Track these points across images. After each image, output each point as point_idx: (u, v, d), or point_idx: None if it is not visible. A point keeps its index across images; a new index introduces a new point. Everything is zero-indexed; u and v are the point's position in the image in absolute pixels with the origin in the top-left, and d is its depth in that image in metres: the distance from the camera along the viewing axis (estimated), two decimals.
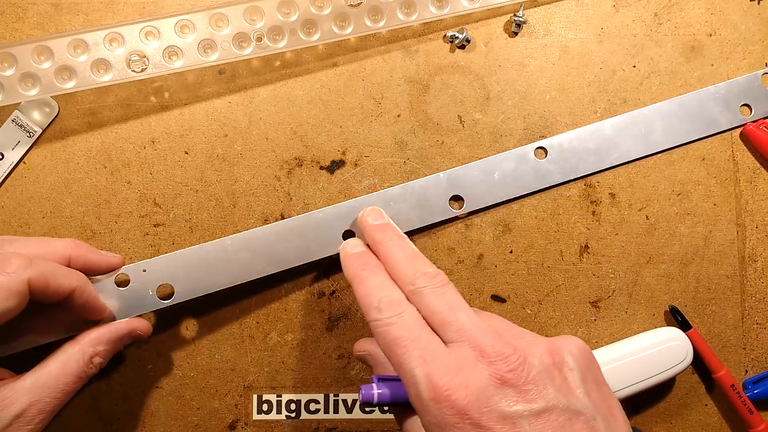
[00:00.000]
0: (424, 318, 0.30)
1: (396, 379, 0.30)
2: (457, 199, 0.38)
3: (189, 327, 0.39)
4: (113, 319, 0.35)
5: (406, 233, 0.39)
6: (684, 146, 0.39)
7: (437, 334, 0.29)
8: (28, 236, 0.38)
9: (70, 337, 0.33)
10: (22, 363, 0.32)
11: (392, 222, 0.35)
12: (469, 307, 0.30)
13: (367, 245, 0.34)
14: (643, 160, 0.39)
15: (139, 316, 0.35)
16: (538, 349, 0.28)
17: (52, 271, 0.30)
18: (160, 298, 0.35)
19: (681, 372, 0.37)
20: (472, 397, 0.26)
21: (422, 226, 0.38)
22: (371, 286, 0.32)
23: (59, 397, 0.31)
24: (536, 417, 0.26)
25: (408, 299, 0.31)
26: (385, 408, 0.38)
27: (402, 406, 0.30)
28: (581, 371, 0.28)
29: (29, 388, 0.31)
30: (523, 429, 0.26)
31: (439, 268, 0.38)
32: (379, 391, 0.30)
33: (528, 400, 0.26)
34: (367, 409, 0.39)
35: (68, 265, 0.33)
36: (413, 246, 0.33)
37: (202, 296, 0.38)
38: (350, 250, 0.34)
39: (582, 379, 0.28)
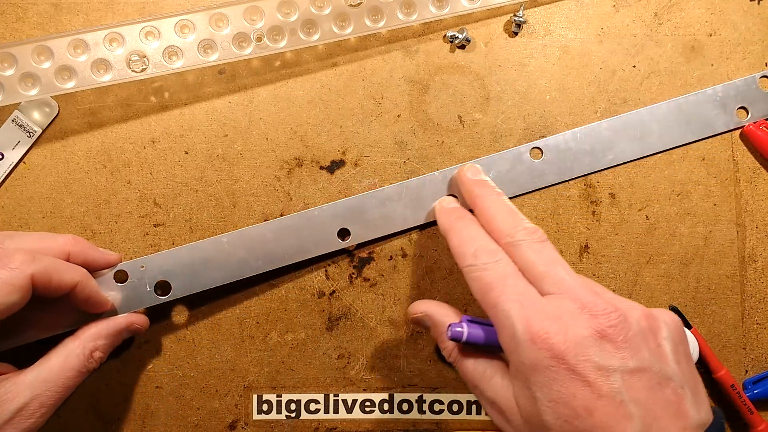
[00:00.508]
0: (522, 271, 0.30)
1: (481, 323, 0.31)
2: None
3: (189, 327, 0.39)
4: (115, 312, 0.35)
5: (400, 231, 0.39)
6: (684, 146, 0.39)
7: (534, 287, 0.30)
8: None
9: (72, 331, 0.34)
10: (25, 357, 0.33)
11: (490, 180, 0.35)
12: (566, 264, 0.30)
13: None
14: (643, 160, 0.39)
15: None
16: (635, 312, 0.28)
17: (55, 267, 0.30)
18: (158, 295, 0.36)
19: None
20: (570, 343, 0.26)
21: (416, 225, 0.38)
22: (466, 235, 0.33)
23: (60, 391, 0.31)
24: (630, 374, 0.26)
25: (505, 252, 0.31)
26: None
27: (486, 350, 0.31)
28: (674, 342, 0.28)
29: (31, 382, 0.31)
30: (616, 382, 0.26)
31: (438, 268, 0.39)
32: (470, 330, 0.30)
33: (624, 357, 0.26)
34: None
35: (68, 261, 0.33)
36: (511, 203, 0.33)
37: (202, 296, 0.38)
38: (445, 206, 0.36)
39: (673, 350, 0.28)
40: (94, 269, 0.34)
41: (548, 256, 0.30)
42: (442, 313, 0.33)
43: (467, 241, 0.32)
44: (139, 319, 0.35)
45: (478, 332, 0.31)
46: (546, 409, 0.27)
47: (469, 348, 0.31)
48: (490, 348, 0.31)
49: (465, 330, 0.30)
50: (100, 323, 0.34)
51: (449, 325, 0.31)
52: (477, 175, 0.35)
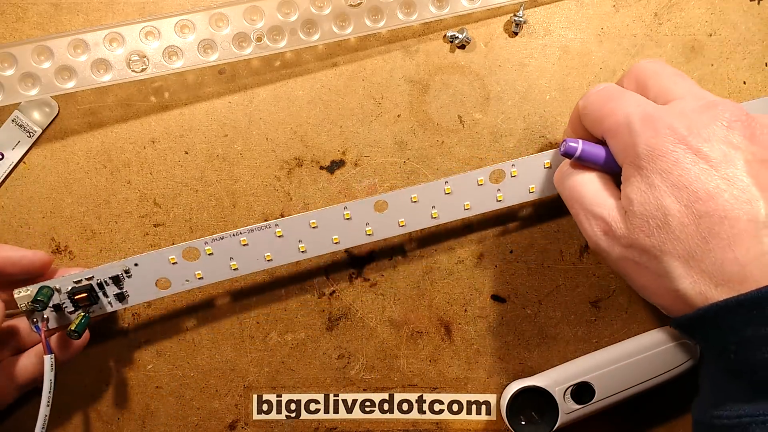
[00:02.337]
0: (645, 92, 0.30)
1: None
2: None
3: (189, 327, 0.39)
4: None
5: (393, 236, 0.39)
6: None
7: (659, 102, 0.29)
8: (27, 235, 0.38)
9: None
10: None
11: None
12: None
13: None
14: None
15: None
16: (763, 119, 0.27)
17: None
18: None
19: (686, 371, 0.37)
20: (695, 128, 0.26)
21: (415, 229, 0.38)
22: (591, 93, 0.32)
23: None
24: (760, 163, 0.25)
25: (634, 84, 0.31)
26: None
27: (601, 167, 0.31)
28: None
29: None
30: (742, 167, 0.25)
31: (439, 268, 0.39)
32: (584, 146, 0.30)
33: (750, 147, 0.26)
34: None
35: None
36: None
37: (202, 296, 0.38)
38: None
39: None
40: (20, 270, 0.33)
41: (674, 72, 0.30)
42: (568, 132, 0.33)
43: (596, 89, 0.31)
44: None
45: (593, 147, 0.30)
46: (665, 193, 0.26)
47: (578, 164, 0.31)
48: (603, 165, 0.30)
49: (579, 145, 0.30)
50: None
51: (564, 140, 0.31)
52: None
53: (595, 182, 0.30)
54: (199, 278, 0.35)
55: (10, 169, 0.38)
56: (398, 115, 0.39)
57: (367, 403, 0.39)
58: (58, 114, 0.38)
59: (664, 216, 0.26)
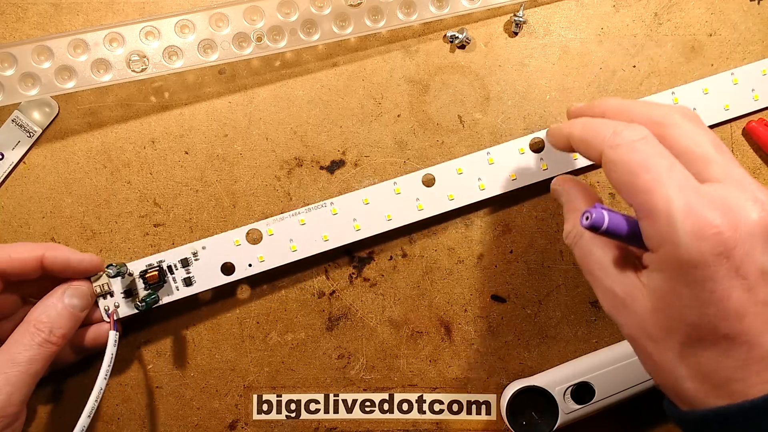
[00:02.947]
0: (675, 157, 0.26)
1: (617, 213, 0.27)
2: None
3: (189, 327, 0.39)
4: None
5: (383, 232, 0.39)
6: None
7: (691, 172, 0.26)
8: (27, 235, 0.38)
9: None
10: None
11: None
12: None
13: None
14: None
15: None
16: None
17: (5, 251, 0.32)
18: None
19: None
20: (741, 240, 0.23)
21: (404, 224, 0.38)
22: (597, 123, 0.28)
23: (22, 370, 0.31)
24: None
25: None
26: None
27: (624, 241, 0.27)
28: None
29: None
30: None
31: (438, 268, 0.39)
32: (611, 218, 0.26)
33: None
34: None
35: (42, 267, 0.33)
36: None
37: (202, 296, 0.38)
38: (556, 125, 0.32)
39: None
40: (76, 273, 0.34)
41: (709, 138, 0.26)
42: (578, 194, 0.30)
43: (602, 125, 0.27)
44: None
45: (620, 222, 0.26)
46: (692, 306, 0.24)
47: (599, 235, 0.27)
48: (627, 240, 0.27)
49: (606, 218, 0.26)
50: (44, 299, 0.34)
51: (586, 210, 0.26)
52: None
53: (614, 257, 0.27)
54: (261, 261, 0.37)
55: (10, 169, 0.38)
56: (398, 115, 0.39)
57: (367, 403, 0.39)
58: (58, 114, 0.38)
59: (683, 325, 0.25)
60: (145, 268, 0.36)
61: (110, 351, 0.34)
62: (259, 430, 0.39)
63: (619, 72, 0.39)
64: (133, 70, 0.36)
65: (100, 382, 0.33)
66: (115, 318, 0.36)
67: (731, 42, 0.39)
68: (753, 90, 0.39)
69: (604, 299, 0.28)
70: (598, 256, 0.28)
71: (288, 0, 0.36)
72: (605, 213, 0.26)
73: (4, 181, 0.38)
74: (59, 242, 0.38)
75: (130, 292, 0.36)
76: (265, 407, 0.39)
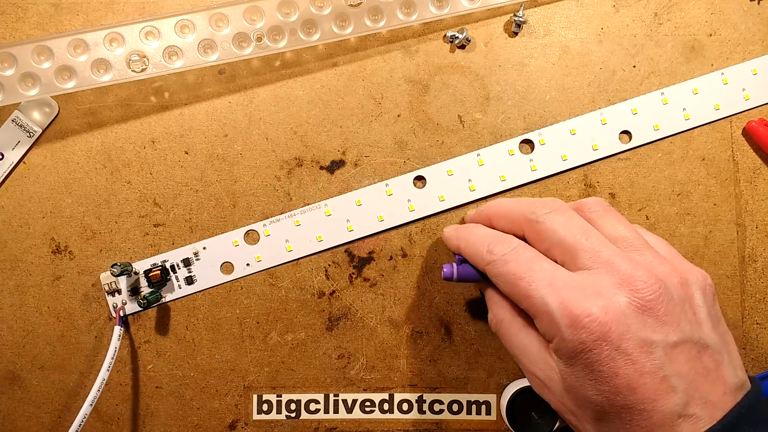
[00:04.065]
0: (548, 251, 0.29)
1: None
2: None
3: (189, 327, 0.39)
4: None
5: (379, 231, 0.39)
6: (684, 146, 0.39)
7: (565, 265, 0.29)
8: (27, 235, 0.38)
9: None
10: None
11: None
12: (598, 232, 0.29)
13: None
14: (643, 159, 0.39)
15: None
16: (674, 279, 0.27)
17: None
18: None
19: None
20: (613, 322, 0.26)
21: (396, 225, 0.38)
22: (477, 237, 0.32)
23: None
24: (672, 347, 0.26)
25: (525, 237, 0.30)
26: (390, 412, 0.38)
27: (478, 282, 0.32)
28: (707, 306, 0.28)
29: None
30: (658, 357, 0.26)
31: (438, 268, 0.39)
32: (460, 268, 0.31)
33: (666, 331, 0.26)
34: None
35: None
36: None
37: (202, 296, 0.38)
38: (449, 228, 0.35)
39: (708, 314, 0.28)
40: None
41: (579, 226, 0.29)
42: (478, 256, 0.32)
43: (478, 241, 0.31)
44: None
45: (470, 271, 0.31)
46: (588, 386, 0.26)
47: (511, 318, 0.31)
48: (486, 279, 0.31)
49: (454, 271, 0.31)
50: None
51: (443, 266, 0.32)
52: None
53: (529, 343, 0.29)
54: (259, 261, 0.38)
55: (10, 169, 0.38)
56: (398, 115, 0.39)
57: (367, 403, 0.39)
58: (58, 114, 0.38)
59: (589, 402, 0.27)
60: (149, 267, 0.38)
61: (114, 345, 0.35)
62: (259, 430, 0.39)
63: (619, 72, 0.39)
64: (133, 70, 0.36)
65: (103, 374, 0.34)
66: (121, 314, 0.37)
67: (731, 42, 0.39)
68: (744, 89, 0.39)
69: (530, 380, 0.30)
70: (519, 341, 0.30)
71: (288, 0, 0.36)
72: (453, 266, 0.31)
73: (4, 181, 0.38)
74: (59, 242, 0.38)
75: (136, 290, 0.38)
76: (265, 407, 0.39)
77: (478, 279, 0.31)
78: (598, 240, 0.28)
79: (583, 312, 0.26)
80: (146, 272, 0.38)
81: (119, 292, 0.38)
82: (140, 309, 0.38)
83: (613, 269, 0.27)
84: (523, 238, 0.31)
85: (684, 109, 0.39)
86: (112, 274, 0.36)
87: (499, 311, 0.31)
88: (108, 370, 0.35)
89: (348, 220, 0.38)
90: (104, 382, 0.35)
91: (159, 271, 0.37)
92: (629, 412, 0.26)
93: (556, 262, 0.29)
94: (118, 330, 0.36)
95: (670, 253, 0.30)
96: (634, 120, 0.39)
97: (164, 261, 0.38)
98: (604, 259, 0.28)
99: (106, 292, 0.38)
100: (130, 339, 0.38)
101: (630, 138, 0.39)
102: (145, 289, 0.38)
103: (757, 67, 0.39)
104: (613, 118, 0.39)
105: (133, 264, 0.38)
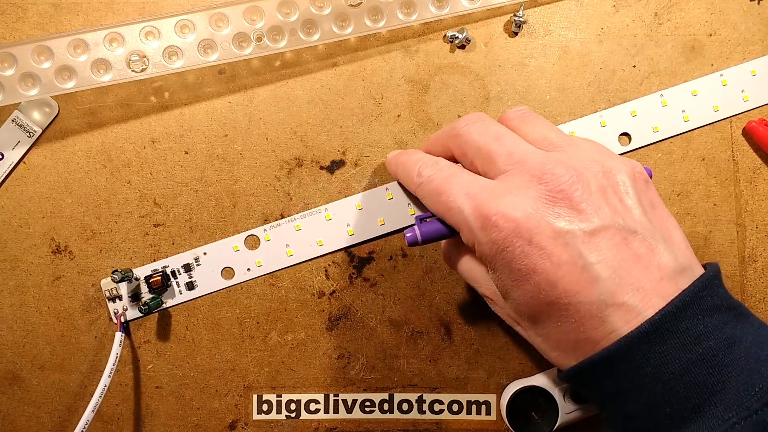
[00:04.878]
0: (472, 164, 0.30)
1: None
2: None
3: (189, 327, 0.39)
4: None
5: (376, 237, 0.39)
6: (684, 146, 0.39)
7: (487, 173, 0.29)
8: (27, 235, 0.38)
9: None
10: None
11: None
12: (515, 134, 0.29)
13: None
14: (643, 160, 0.39)
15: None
16: (592, 171, 0.27)
17: None
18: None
19: None
20: (522, 215, 0.25)
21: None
22: (411, 160, 0.32)
23: None
24: (590, 235, 0.25)
25: (454, 155, 0.31)
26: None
27: (447, 238, 0.31)
28: (637, 192, 0.27)
29: None
30: (576, 248, 0.25)
31: (438, 268, 0.39)
32: (422, 229, 0.30)
33: (582, 219, 0.25)
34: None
35: None
36: None
37: (202, 296, 0.38)
38: (391, 153, 0.36)
39: (638, 201, 0.27)
40: None
41: (493, 132, 0.29)
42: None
43: (411, 165, 0.31)
44: None
45: (435, 227, 0.30)
46: (513, 288, 0.26)
47: (455, 248, 0.31)
48: (454, 234, 0.30)
49: (418, 233, 0.30)
50: None
51: (404, 232, 0.31)
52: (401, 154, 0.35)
53: (473, 266, 0.30)
54: (259, 266, 0.38)
55: (10, 169, 0.38)
56: (398, 115, 0.39)
57: (367, 403, 0.39)
58: (58, 114, 0.38)
59: (522, 306, 0.27)
60: (150, 273, 0.38)
61: (115, 351, 0.35)
62: (259, 430, 0.39)
63: (619, 72, 0.39)
64: (133, 70, 0.36)
65: (105, 380, 0.34)
66: (122, 321, 0.37)
67: (731, 42, 0.39)
68: (743, 91, 0.39)
69: (486, 302, 0.31)
70: (464, 266, 0.30)
71: (288, 0, 0.36)
72: (416, 229, 0.30)
73: (4, 181, 0.38)
74: (59, 242, 0.38)
75: (136, 296, 0.38)
76: (265, 407, 0.39)
77: (444, 233, 0.30)
78: (513, 142, 0.28)
79: (491, 211, 0.26)
80: (147, 278, 0.38)
81: (120, 298, 0.38)
82: (141, 315, 0.38)
83: (523, 167, 0.27)
84: (455, 159, 0.31)
85: (683, 110, 0.39)
86: (113, 280, 0.36)
87: (445, 246, 0.32)
88: (110, 377, 0.35)
89: (348, 225, 0.38)
90: (106, 388, 0.34)
91: (159, 277, 0.37)
92: (556, 309, 0.25)
93: (479, 174, 0.29)
94: (119, 336, 0.36)
95: (599, 151, 0.29)
96: (633, 122, 0.39)
97: (165, 267, 0.38)
98: (516, 159, 0.27)
99: (107, 298, 0.38)
100: (130, 340, 0.38)
101: (629, 140, 0.39)
102: (146, 295, 0.38)
103: (756, 68, 0.39)
104: (612, 121, 0.39)
105: (134, 270, 0.38)
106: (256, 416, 0.39)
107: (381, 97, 0.39)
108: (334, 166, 0.39)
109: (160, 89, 0.39)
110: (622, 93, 0.39)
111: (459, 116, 0.39)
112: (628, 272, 0.25)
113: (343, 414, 0.39)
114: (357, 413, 0.39)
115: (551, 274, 0.25)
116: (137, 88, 0.39)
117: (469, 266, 0.30)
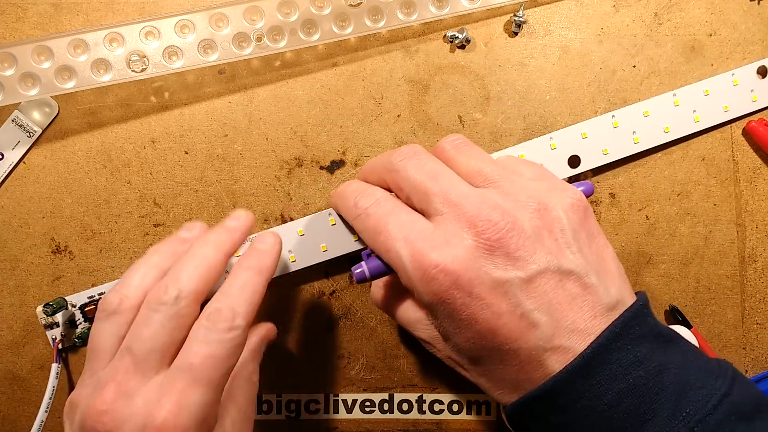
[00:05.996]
0: (408, 199, 0.29)
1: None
2: None
3: None
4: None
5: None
6: (684, 146, 0.39)
7: (423, 211, 0.28)
8: (27, 235, 0.38)
9: None
10: None
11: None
12: (451, 172, 0.28)
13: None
14: (643, 159, 0.39)
15: None
16: (527, 211, 0.27)
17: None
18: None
19: None
20: (461, 268, 0.25)
21: None
22: (348, 190, 0.31)
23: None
24: (527, 282, 0.25)
25: (390, 190, 0.30)
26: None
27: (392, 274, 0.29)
28: (573, 229, 0.27)
29: None
30: (515, 296, 0.25)
31: None
32: (370, 265, 0.29)
33: (518, 267, 0.25)
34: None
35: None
36: None
37: None
38: (334, 190, 0.34)
39: (574, 237, 0.27)
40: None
41: (429, 170, 0.28)
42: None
43: (349, 195, 0.30)
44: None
45: (380, 265, 0.29)
46: (455, 334, 0.27)
47: (383, 286, 0.31)
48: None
49: (365, 271, 0.29)
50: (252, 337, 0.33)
51: (351, 269, 0.30)
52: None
53: (409, 310, 0.30)
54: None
55: (10, 169, 0.38)
56: (398, 115, 0.39)
57: (367, 403, 0.39)
58: (58, 114, 0.38)
59: (463, 350, 0.27)
60: (86, 301, 0.37)
61: (52, 384, 0.34)
62: (259, 430, 0.39)
63: (619, 72, 0.39)
64: (133, 70, 0.36)
65: (41, 415, 0.34)
66: (59, 348, 0.36)
67: (731, 42, 0.39)
68: (752, 91, 0.39)
69: (424, 346, 0.31)
70: (406, 314, 0.30)
71: (288, 0, 0.36)
72: (363, 266, 0.29)
73: (4, 181, 0.38)
74: (59, 242, 0.38)
75: (73, 322, 0.37)
76: (265, 407, 0.39)
77: (390, 271, 0.29)
78: (448, 181, 0.28)
79: (431, 263, 0.26)
80: (82, 307, 0.36)
81: (57, 324, 0.37)
82: (78, 345, 0.36)
83: (459, 212, 0.26)
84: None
85: (694, 110, 0.38)
86: (45, 313, 0.35)
87: (380, 293, 0.32)
88: (46, 411, 0.34)
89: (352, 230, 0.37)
90: (43, 424, 0.33)
91: (94, 306, 0.36)
92: (498, 354, 0.26)
93: (416, 210, 0.29)
94: (55, 368, 0.35)
95: (536, 181, 0.29)
96: (645, 122, 0.38)
97: (102, 293, 0.37)
98: (452, 201, 0.27)
99: (44, 325, 0.37)
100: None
101: (639, 141, 0.39)
102: (83, 324, 0.37)
103: (766, 67, 0.39)
104: (623, 121, 0.38)
105: (68, 298, 0.37)
106: (256, 416, 0.39)
107: (381, 97, 0.39)
108: (334, 166, 0.39)
109: (160, 89, 0.39)
110: (622, 93, 0.39)
111: (459, 116, 0.39)
112: (564, 315, 0.26)
113: (343, 414, 0.39)
114: (357, 413, 0.39)
115: (492, 323, 0.26)
116: (137, 88, 0.39)
117: (407, 311, 0.30)
